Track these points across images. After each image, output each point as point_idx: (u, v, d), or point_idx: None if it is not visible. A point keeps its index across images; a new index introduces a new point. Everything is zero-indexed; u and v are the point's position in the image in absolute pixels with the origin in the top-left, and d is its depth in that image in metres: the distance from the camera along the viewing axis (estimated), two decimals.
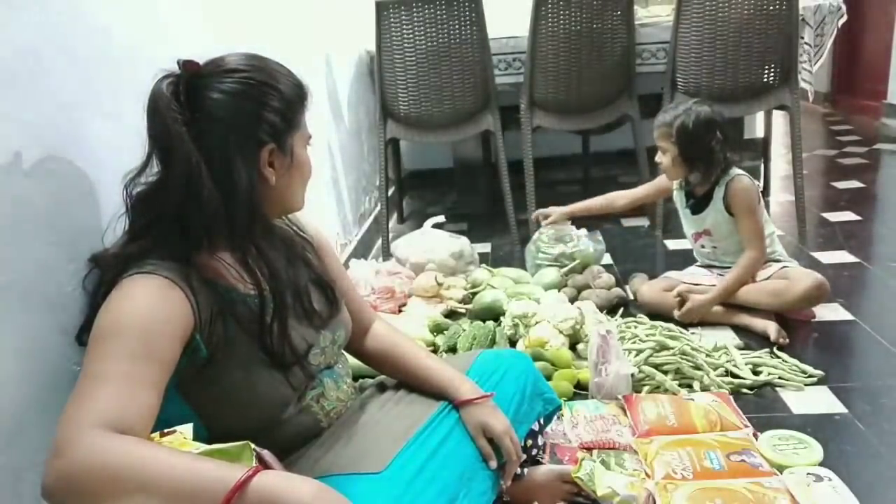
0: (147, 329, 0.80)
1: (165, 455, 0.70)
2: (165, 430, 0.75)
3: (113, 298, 0.83)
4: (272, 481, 0.69)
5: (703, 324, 1.99)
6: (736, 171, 2.03)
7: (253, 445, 0.74)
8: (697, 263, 2.20)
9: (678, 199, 2.19)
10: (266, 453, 0.76)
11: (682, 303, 2.01)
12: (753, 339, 1.89)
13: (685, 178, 2.09)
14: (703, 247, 2.15)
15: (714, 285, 2.02)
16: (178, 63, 0.90)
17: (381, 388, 1.20)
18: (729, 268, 2.05)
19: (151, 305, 0.81)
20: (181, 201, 0.88)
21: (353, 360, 1.21)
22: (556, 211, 2.45)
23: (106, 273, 0.89)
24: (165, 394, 0.80)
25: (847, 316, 1.96)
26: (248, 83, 0.91)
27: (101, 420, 0.71)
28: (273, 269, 0.95)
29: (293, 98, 0.96)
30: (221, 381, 0.91)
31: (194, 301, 0.86)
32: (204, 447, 0.73)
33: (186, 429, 0.76)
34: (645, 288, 2.14)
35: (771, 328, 1.87)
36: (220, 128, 0.89)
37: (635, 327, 1.93)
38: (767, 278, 1.99)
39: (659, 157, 2.08)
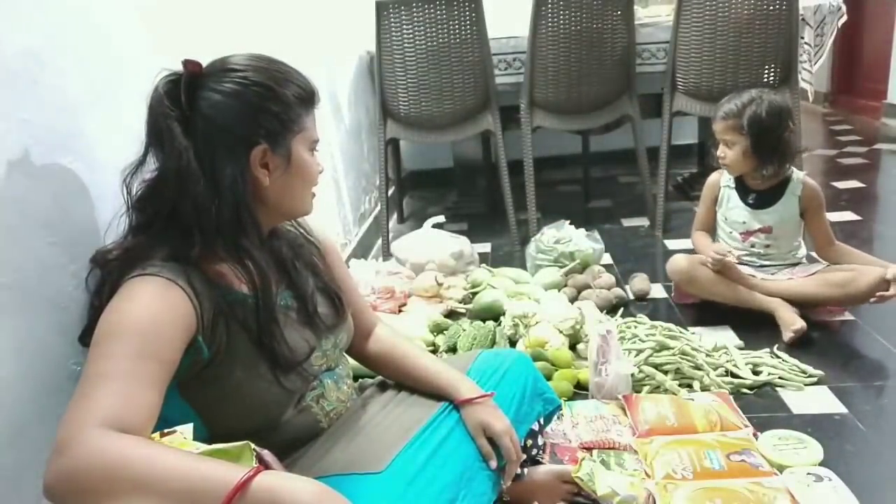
0: (149, 329, 0.80)
1: (166, 455, 0.70)
2: (166, 430, 0.75)
3: (116, 300, 0.83)
4: (273, 481, 0.69)
5: (704, 324, 1.98)
6: (796, 170, 2.00)
7: (253, 445, 0.74)
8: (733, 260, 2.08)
9: (729, 195, 2.07)
10: (266, 453, 0.76)
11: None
12: (753, 339, 1.88)
13: (754, 171, 1.98)
14: (752, 245, 2.05)
15: (753, 276, 2.00)
16: (182, 62, 0.91)
17: (382, 388, 1.20)
18: (772, 265, 2.03)
19: (154, 307, 0.82)
20: (175, 198, 0.89)
21: (353, 361, 1.21)
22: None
23: (108, 274, 0.89)
24: (166, 394, 0.80)
25: (847, 316, 1.96)
26: (243, 83, 0.91)
27: (102, 419, 0.71)
28: (261, 271, 0.94)
29: (292, 100, 0.95)
30: (222, 382, 0.91)
31: (196, 302, 0.86)
32: (204, 447, 0.73)
33: (186, 429, 0.76)
34: (681, 258, 2.04)
35: (796, 325, 1.83)
36: (210, 126, 0.90)
37: (635, 327, 1.93)
38: (814, 273, 1.95)
39: (722, 151, 1.98)
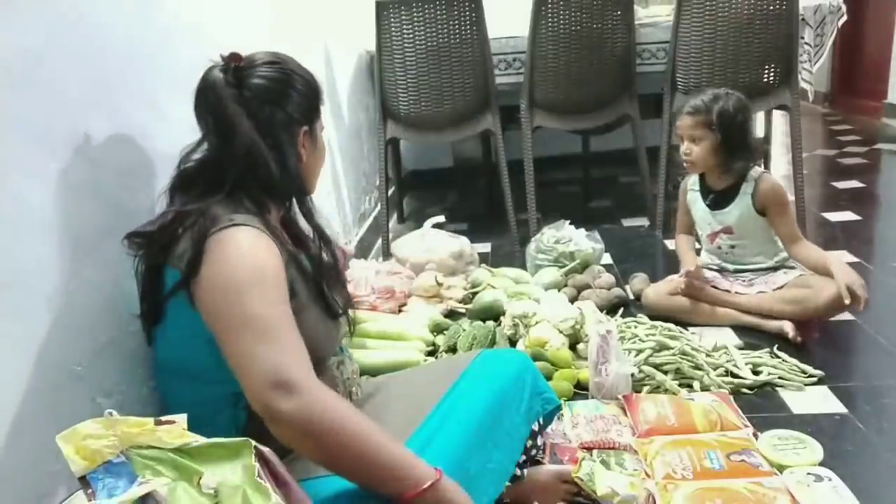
0: (275, 275, 0.89)
1: (372, 432, 0.83)
2: (163, 419, 0.73)
3: (222, 251, 0.88)
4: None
5: (705, 324, 1.98)
6: (758, 168, 2.01)
7: (254, 443, 0.74)
8: (704, 265, 2.12)
9: (693, 197, 2.11)
10: (267, 451, 0.75)
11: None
12: (753, 339, 1.88)
13: (717, 168, 1.99)
14: (719, 247, 2.07)
15: (728, 290, 2.00)
16: (222, 56, 1.00)
17: (386, 383, 1.23)
18: (746, 268, 2.03)
19: (266, 255, 0.90)
20: (240, 175, 0.96)
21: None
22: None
23: (187, 229, 0.93)
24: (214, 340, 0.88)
25: (847, 316, 1.96)
26: (287, 72, 1.03)
27: (310, 369, 0.82)
28: (320, 229, 1.07)
29: (316, 88, 1.08)
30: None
31: (281, 249, 0.94)
32: (203, 440, 0.73)
33: (182, 419, 0.75)
34: (649, 292, 2.10)
35: (787, 326, 1.85)
36: (268, 108, 0.99)
37: (635, 327, 1.93)
38: (783, 286, 1.95)
39: (687, 148, 1.97)
